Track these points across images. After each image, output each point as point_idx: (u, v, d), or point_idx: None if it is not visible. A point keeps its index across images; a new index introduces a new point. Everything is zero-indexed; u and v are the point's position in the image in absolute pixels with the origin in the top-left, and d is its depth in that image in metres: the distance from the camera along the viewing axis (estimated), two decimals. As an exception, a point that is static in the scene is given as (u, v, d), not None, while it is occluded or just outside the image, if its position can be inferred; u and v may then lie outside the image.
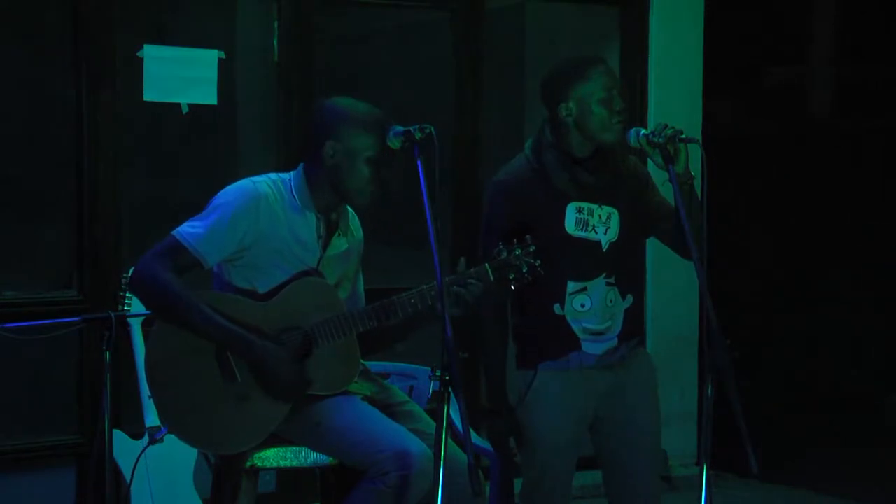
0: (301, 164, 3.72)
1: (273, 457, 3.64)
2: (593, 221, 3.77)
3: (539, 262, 3.54)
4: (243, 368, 3.53)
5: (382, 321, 3.58)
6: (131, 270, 3.58)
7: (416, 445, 3.47)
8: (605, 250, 3.78)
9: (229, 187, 3.65)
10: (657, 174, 3.76)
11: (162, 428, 4.51)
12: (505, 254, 3.54)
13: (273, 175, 3.71)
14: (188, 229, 3.55)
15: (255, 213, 3.57)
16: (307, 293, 3.61)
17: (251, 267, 3.61)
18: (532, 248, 3.54)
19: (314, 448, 3.64)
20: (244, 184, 3.65)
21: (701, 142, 3.57)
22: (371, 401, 3.70)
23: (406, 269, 5.11)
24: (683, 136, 3.55)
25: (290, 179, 3.69)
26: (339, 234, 3.73)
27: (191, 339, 3.51)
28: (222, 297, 3.59)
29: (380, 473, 3.45)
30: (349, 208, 3.79)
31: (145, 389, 4.50)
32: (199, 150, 5.69)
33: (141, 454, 4.43)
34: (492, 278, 3.53)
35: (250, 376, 3.53)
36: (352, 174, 3.61)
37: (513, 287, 3.57)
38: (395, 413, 3.68)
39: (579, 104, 3.71)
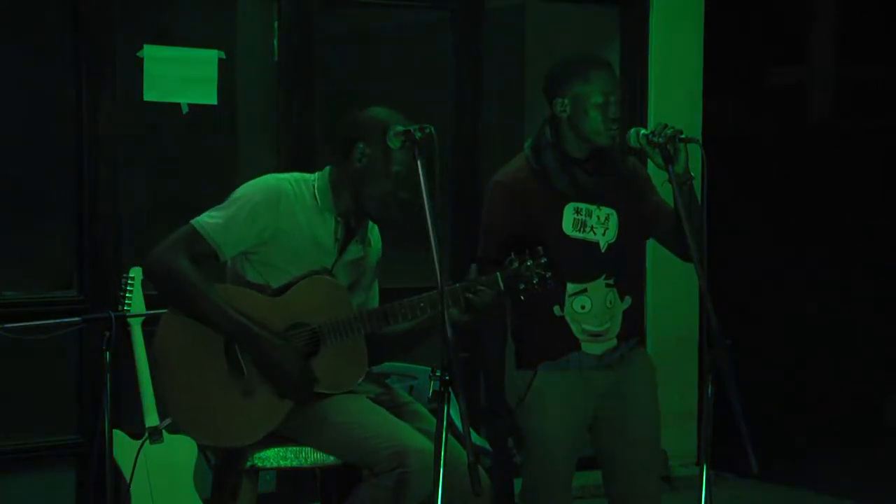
0: (328, 167, 3.73)
1: (273, 457, 3.64)
2: (591, 222, 3.77)
3: (550, 274, 3.55)
4: (250, 363, 3.54)
5: (391, 323, 3.59)
6: (144, 261, 3.57)
7: (418, 443, 3.48)
8: (603, 251, 3.78)
9: (252, 181, 3.68)
10: (657, 174, 3.76)
11: (162, 429, 4.52)
12: (516, 264, 3.55)
13: (297, 174, 3.73)
14: (207, 219, 3.57)
15: (276, 210, 3.59)
16: (318, 291, 3.61)
17: (266, 263, 3.62)
18: (544, 260, 3.55)
19: (316, 446, 3.65)
20: (267, 179, 3.68)
21: (701, 142, 3.57)
22: (376, 402, 3.70)
23: (406, 269, 5.11)
24: (683, 136, 3.55)
25: (314, 180, 3.71)
26: (357, 241, 3.74)
27: (201, 331, 3.52)
28: (234, 290, 3.61)
29: (382, 470, 3.46)
30: None
31: (146, 389, 4.50)
32: (199, 150, 5.69)
33: (139, 452, 4.42)
34: (502, 287, 3.54)
35: (257, 372, 3.54)
36: (375, 182, 3.62)
37: (522, 297, 3.59)
38: (399, 413, 3.70)
39: (574, 103, 3.71)
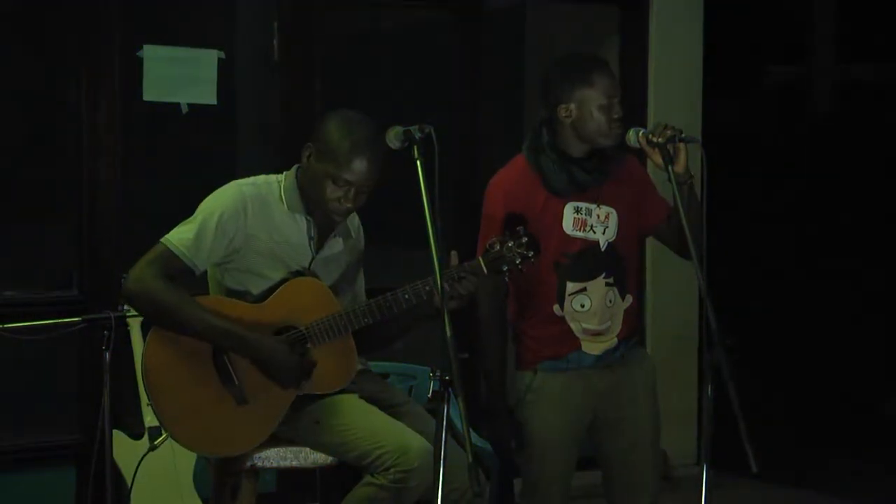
0: (295, 166, 3.73)
1: (273, 457, 3.65)
2: (591, 221, 3.77)
3: (532, 253, 3.54)
4: (241, 371, 3.53)
5: (377, 318, 3.58)
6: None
7: (416, 441, 3.48)
8: (603, 250, 3.78)
9: (216, 192, 3.65)
10: (657, 174, 3.76)
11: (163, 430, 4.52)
12: (498, 247, 3.55)
13: (262, 177, 3.71)
14: (177, 236, 3.56)
15: (243, 217, 3.58)
16: (301, 293, 3.61)
17: (242, 270, 3.62)
18: (525, 240, 3.54)
19: (314, 447, 3.65)
20: (230, 188, 3.65)
21: (701, 142, 3.57)
22: (374, 400, 3.70)
23: (406, 269, 5.11)
24: (683, 135, 3.55)
25: (281, 180, 3.70)
26: (335, 236, 3.73)
27: (187, 344, 3.52)
28: (216, 301, 3.60)
29: (380, 469, 3.46)
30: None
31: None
32: (199, 150, 5.69)
33: (142, 459, 4.41)
34: (485, 271, 3.54)
35: (247, 378, 3.54)
36: (316, 186, 3.60)
37: (507, 279, 3.59)
38: (397, 413, 3.69)
39: (580, 107, 3.71)
